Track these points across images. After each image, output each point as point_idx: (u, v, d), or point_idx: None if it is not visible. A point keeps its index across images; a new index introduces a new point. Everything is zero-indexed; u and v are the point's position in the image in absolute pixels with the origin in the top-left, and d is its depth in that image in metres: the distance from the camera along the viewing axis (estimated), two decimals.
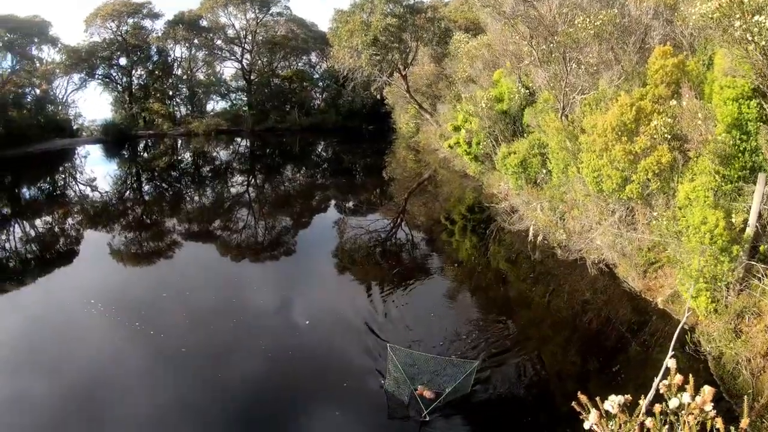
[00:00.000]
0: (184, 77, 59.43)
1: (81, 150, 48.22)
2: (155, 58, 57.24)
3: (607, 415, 2.50)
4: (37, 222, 25.89)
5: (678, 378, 2.56)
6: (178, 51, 59.42)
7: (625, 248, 13.12)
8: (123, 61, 55.83)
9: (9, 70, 43.79)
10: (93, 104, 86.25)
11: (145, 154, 48.76)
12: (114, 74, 56.62)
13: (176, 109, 58.84)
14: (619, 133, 12.54)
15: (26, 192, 34.22)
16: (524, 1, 18.06)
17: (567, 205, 16.76)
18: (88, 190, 33.14)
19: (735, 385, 8.76)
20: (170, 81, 58.17)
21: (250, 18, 58.02)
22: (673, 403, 2.43)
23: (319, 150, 51.11)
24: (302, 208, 28.64)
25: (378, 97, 44.82)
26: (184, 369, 11.36)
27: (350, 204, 29.60)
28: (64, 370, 11.43)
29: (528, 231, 17.93)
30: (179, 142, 52.63)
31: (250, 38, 58.40)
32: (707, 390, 2.50)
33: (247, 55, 58.93)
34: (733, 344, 9.25)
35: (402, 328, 12.69)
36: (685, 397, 2.44)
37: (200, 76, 60.84)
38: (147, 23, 56.50)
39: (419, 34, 37.29)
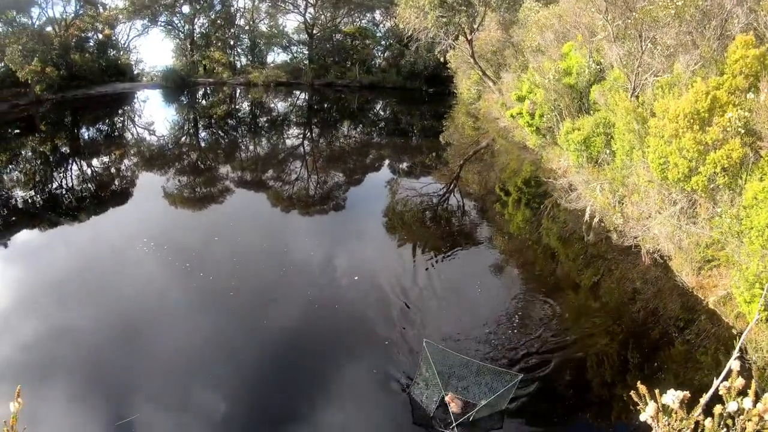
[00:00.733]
0: (246, 28, 59.54)
1: (140, 94, 49.41)
2: (218, 7, 57.38)
3: (664, 410, 2.53)
4: (95, 162, 27.00)
5: (740, 381, 2.50)
6: (241, 1, 59.58)
7: (683, 241, 12.85)
8: (186, 9, 56.20)
9: (73, 15, 44.87)
10: (154, 51, 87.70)
11: (204, 102, 49.73)
12: (176, 22, 57.16)
13: (237, 58, 59.23)
14: (691, 121, 12.14)
15: (85, 132, 35.34)
16: None
17: (628, 189, 16.41)
18: (145, 134, 34.17)
19: None
20: (232, 31, 58.45)
21: None
22: (732, 406, 2.39)
23: (377, 109, 50.91)
24: (356, 165, 28.94)
25: (441, 60, 43.86)
26: (229, 312, 11.89)
27: (404, 165, 29.71)
28: (111, 304, 12.13)
29: (584, 211, 17.71)
30: (238, 91, 53.34)
31: None
32: None
33: (311, 9, 58.50)
34: None
35: (447, 296, 12.93)
36: (747, 403, 2.40)
37: (262, 27, 60.78)
38: None
39: None
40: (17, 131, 30.34)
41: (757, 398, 2.50)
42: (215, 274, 13.57)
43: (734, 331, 9.77)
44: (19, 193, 20.75)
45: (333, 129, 40.01)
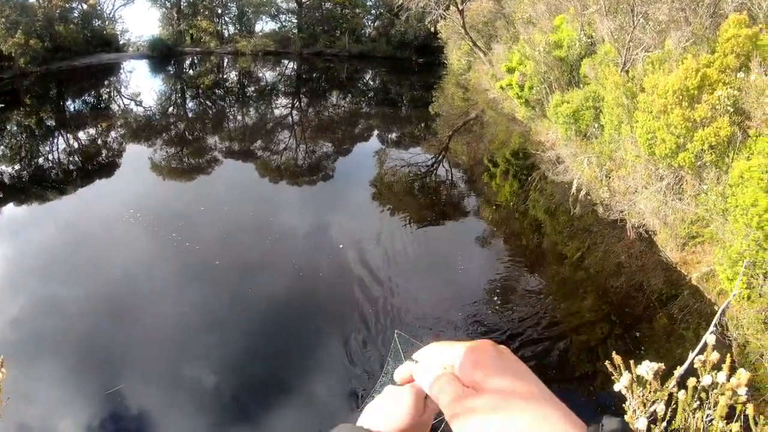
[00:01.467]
0: None
1: (126, 65, 48.27)
2: None
3: (639, 380, 2.55)
4: (80, 134, 26.60)
5: (715, 355, 2.51)
6: None
7: (668, 217, 13.00)
8: None
9: None
10: (140, 20, 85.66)
11: (191, 71, 48.84)
12: None
13: (224, 27, 57.97)
14: (680, 97, 12.17)
15: (71, 105, 34.66)
16: None
17: (615, 163, 16.51)
18: (132, 105, 33.62)
19: (755, 376, 8.75)
20: None
21: None
22: (706, 380, 2.35)
23: (367, 78, 50.40)
24: (344, 135, 28.76)
25: (431, 30, 43.31)
26: (215, 281, 12.00)
27: (393, 135, 29.59)
28: (97, 275, 12.19)
29: (571, 184, 17.80)
30: (225, 60, 52.45)
31: None
32: (743, 374, 2.36)
33: None
34: (761, 335, 9.29)
35: (432, 265, 13.05)
36: (720, 377, 2.36)
37: None
38: None
39: None
40: (1, 105, 29.71)
41: (732, 372, 2.45)
42: (201, 244, 13.60)
43: (716, 308, 9.96)
44: (4, 168, 20.44)
45: (322, 99, 39.58)
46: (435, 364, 0.90)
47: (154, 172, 20.33)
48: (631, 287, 12.19)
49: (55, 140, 25.17)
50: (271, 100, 37.10)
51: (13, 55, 35.43)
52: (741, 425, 2.37)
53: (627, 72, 16.37)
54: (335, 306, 11.30)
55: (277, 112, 33.76)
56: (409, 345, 9.14)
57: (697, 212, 12.09)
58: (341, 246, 13.84)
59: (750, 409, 2.47)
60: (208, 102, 36.77)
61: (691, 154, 11.98)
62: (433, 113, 34.13)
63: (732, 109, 11.40)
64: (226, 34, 57.38)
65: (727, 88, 11.40)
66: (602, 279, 12.70)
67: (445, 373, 0.87)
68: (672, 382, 2.55)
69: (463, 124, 30.42)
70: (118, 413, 8.32)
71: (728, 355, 2.73)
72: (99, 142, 25.30)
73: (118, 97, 36.51)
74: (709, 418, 2.38)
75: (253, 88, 42.22)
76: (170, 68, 48.92)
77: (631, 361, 2.47)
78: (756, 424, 2.37)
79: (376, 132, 29.82)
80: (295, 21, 58.55)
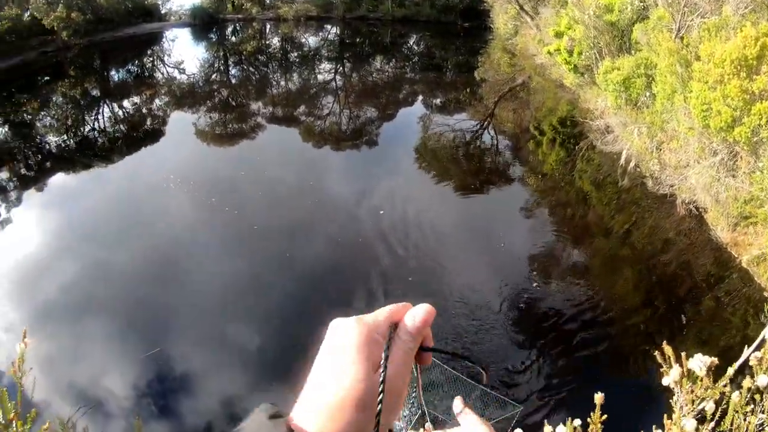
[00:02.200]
0: None
1: (168, 33, 48.41)
2: None
3: (689, 375, 2.29)
4: (125, 103, 27.30)
5: None
6: None
7: (720, 194, 12.56)
8: None
9: None
10: None
11: (233, 38, 48.96)
12: None
13: None
14: (738, 67, 11.61)
15: (114, 75, 35.58)
16: None
17: (666, 135, 15.95)
18: (175, 73, 34.17)
19: None
20: None
21: None
22: (762, 380, 2.06)
23: (411, 43, 49.54)
24: (388, 100, 28.64)
25: None
26: (253, 245, 12.45)
27: (437, 101, 29.25)
28: (142, 241, 12.85)
29: (620, 155, 17.35)
30: (267, 26, 52.30)
31: None
32: None
33: None
34: None
35: (473, 235, 13.02)
36: None
37: None
38: None
39: None
40: (47, 78, 30.66)
41: None
42: (241, 209, 14.04)
43: (766, 294, 9.66)
44: (52, 139, 21.29)
45: (365, 63, 39.29)
46: None
47: (198, 138, 20.82)
48: (677, 266, 11.95)
49: (101, 110, 26.01)
50: (313, 66, 37.05)
51: (55, 28, 36.15)
52: None
53: (681, 39, 15.64)
54: (373, 270, 11.44)
55: (320, 77, 33.74)
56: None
57: (752, 191, 11.63)
58: (381, 212, 13.96)
59: None
60: (251, 68, 37.04)
61: (747, 129, 11.46)
62: (478, 79, 33.46)
63: None
64: (267, 0, 57.23)
65: None
66: (648, 255, 12.48)
67: None
68: (725, 380, 2.47)
69: (509, 90, 29.79)
70: (162, 372, 8.85)
71: None
72: (143, 110, 26.09)
73: (161, 65, 37.20)
74: (759, 421, 2.13)
75: (295, 54, 42.18)
76: (212, 36, 49.20)
77: (683, 354, 2.49)
78: None
79: (420, 97, 29.54)
80: None
